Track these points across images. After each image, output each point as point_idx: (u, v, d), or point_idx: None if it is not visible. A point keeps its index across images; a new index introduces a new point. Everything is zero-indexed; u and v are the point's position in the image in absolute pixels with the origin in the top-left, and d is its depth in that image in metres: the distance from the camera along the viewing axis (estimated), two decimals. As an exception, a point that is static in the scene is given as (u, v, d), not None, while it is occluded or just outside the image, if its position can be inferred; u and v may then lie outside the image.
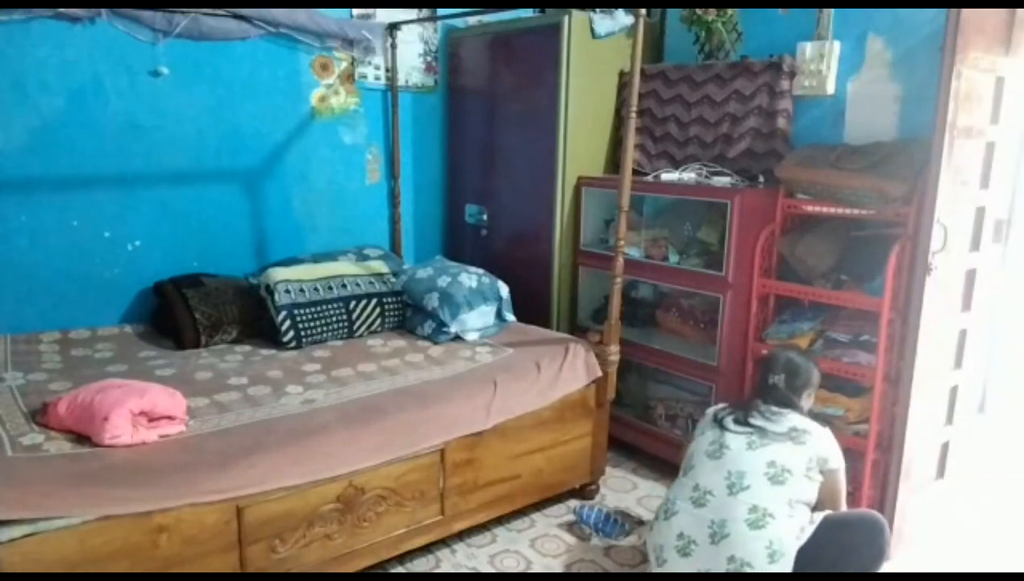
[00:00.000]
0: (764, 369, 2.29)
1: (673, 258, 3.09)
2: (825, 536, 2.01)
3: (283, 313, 2.84)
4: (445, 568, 2.49)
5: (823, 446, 2.09)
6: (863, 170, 2.56)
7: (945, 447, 2.71)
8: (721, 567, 1.95)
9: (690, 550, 2.01)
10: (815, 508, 2.08)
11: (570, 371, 2.75)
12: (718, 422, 2.20)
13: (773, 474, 2.02)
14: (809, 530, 2.02)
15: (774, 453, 2.05)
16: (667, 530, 2.08)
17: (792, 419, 2.13)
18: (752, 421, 2.13)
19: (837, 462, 2.11)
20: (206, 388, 2.40)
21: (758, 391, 2.27)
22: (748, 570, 1.92)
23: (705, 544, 1.99)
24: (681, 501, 2.10)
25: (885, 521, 2.10)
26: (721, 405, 2.31)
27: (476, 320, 3.03)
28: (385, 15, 3.51)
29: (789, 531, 1.97)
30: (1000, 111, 2.48)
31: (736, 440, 2.10)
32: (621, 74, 3.41)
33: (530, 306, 3.38)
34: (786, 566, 1.93)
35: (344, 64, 3.47)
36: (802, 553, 1.97)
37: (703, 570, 1.98)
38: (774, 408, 2.16)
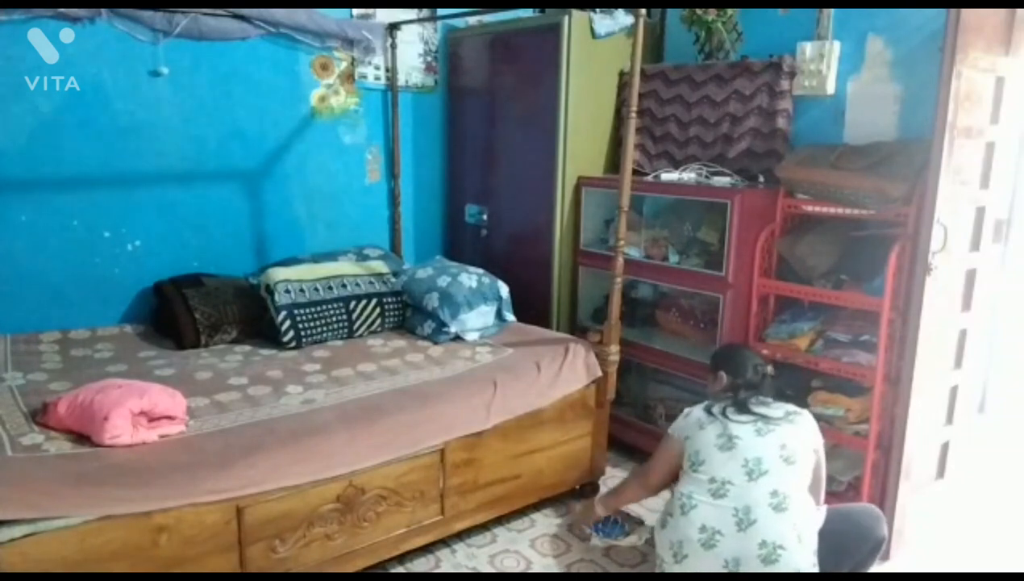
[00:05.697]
0: (750, 362, 2.32)
1: (673, 258, 3.09)
2: (828, 526, 2.06)
3: (283, 313, 2.84)
4: (445, 568, 2.49)
5: (813, 427, 2.19)
6: (863, 170, 2.56)
7: (945, 447, 2.71)
8: (753, 553, 1.96)
9: (715, 541, 2.01)
10: None
11: (570, 371, 2.75)
12: (715, 415, 2.20)
13: (786, 456, 2.07)
14: (822, 512, 2.08)
15: (782, 436, 2.11)
16: (686, 524, 2.07)
17: (781, 404, 2.22)
18: (753, 409, 2.17)
19: (819, 442, 2.20)
20: (206, 388, 2.40)
21: (746, 384, 2.27)
22: (782, 553, 1.95)
23: (732, 533, 2.00)
24: (698, 495, 2.09)
25: (881, 513, 2.18)
26: (705, 403, 2.28)
27: (476, 320, 3.03)
28: (385, 15, 3.51)
29: (808, 513, 2.03)
30: (1000, 111, 2.48)
31: (743, 429, 2.13)
32: (621, 74, 3.41)
33: (530, 306, 3.38)
34: (811, 547, 1.98)
35: (344, 64, 3.47)
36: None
37: (732, 558, 1.98)
38: (762, 397, 2.23)
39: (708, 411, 2.23)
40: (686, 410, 2.32)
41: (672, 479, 2.30)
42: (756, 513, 1.99)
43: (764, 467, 2.05)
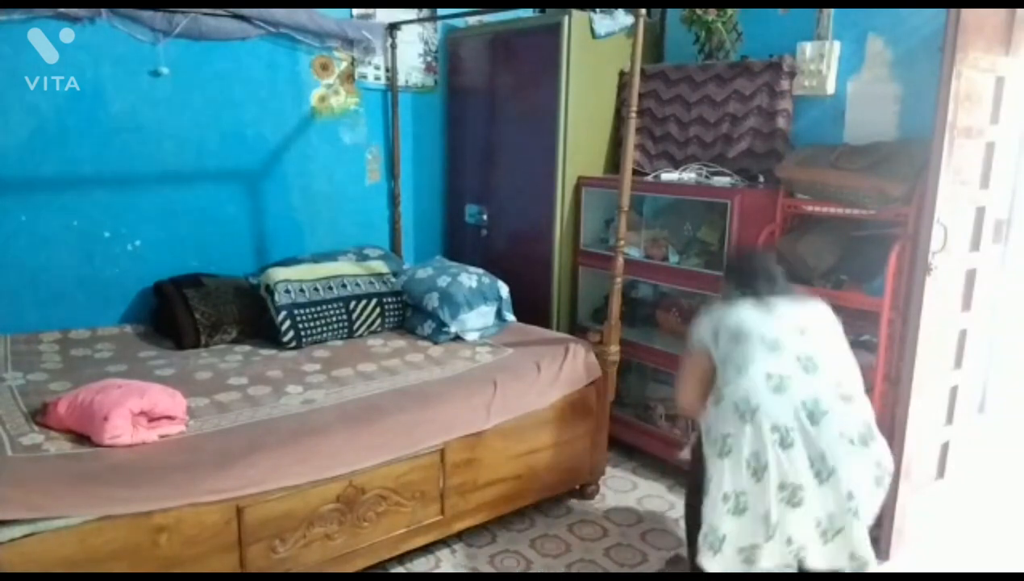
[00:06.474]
0: (761, 271, 2.16)
1: (673, 258, 3.09)
2: None
3: (283, 313, 2.84)
4: (445, 568, 2.49)
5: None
6: (863, 170, 2.56)
7: (945, 447, 2.71)
8: (831, 390, 1.92)
9: (786, 384, 1.91)
10: None
11: (570, 371, 2.75)
12: (735, 299, 2.09)
13: (825, 321, 2.10)
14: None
15: (816, 308, 2.11)
16: (749, 381, 1.93)
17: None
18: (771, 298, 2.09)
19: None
20: (206, 388, 2.40)
21: (755, 293, 2.10)
22: (853, 394, 1.95)
23: (800, 375, 1.93)
24: (755, 353, 1.96)
25: None
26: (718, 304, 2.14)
27: (476, 320, 3.03)
28: (385, 15, 3.51)
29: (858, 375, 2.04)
30: (1000, 111, 2.48)
31: (776, 299, 2.08)
32: (621, 74, 3.41)
33: (530, 306, 3.38)
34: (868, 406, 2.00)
35: (344, 64, 3.47)
36: None
37: (810, 397, 1.90)
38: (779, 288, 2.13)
39: (725, 300, 2.12)
40: (701, 316, 2.15)
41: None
42: (819, 361, 1.97)
43: (813, 329, 2.04)
